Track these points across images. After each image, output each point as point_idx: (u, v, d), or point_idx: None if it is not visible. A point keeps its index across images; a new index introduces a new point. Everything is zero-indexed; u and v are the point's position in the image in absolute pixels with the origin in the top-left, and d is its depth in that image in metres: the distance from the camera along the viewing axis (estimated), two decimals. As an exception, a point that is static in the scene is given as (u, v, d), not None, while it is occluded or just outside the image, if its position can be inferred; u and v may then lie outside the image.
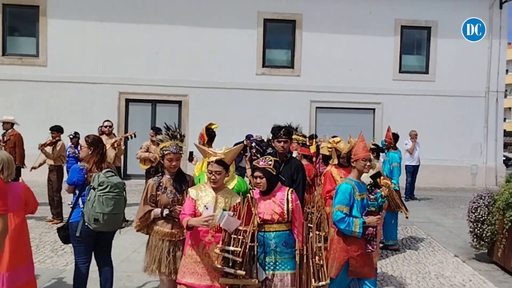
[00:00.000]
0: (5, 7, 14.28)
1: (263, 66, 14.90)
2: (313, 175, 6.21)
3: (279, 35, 15.23)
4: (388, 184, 6.07)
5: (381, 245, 6.88)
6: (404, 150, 11.72)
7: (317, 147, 6.75)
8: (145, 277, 4.91)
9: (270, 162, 3.84)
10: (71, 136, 9.37)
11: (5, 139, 9.04)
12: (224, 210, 3.72)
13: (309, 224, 3.95)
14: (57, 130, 8.73)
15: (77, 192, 4.49)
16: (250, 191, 4.09)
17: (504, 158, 18.52)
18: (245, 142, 11.08)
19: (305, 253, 3.80)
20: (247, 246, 3.62)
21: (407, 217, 7.15)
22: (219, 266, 3.59)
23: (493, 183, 14.15)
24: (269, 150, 4.55)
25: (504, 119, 18.92)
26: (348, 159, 4.73)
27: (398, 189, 7.48)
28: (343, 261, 4.07)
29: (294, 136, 5.76)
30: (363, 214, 4.09)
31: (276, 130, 4.92)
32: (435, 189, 14.39)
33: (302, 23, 14.88)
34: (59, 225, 5.89)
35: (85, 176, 4.44)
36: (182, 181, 4.24)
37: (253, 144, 5.78)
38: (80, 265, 4.43)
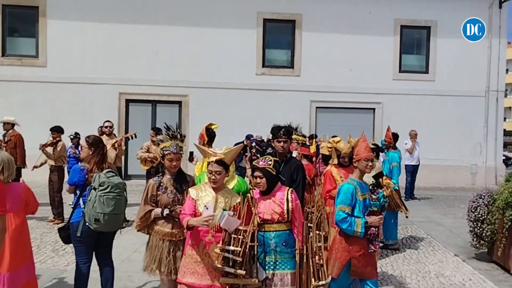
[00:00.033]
0: (4, 7, 14.30)
1: (263, 66, 14.92)
2: (313, 175, 6.23)
3: (279, 35, 15.24)
4: (390, 184, 6.07)
5: (381, 244, 6.89)
6: (404, 150, 11.74)
7: (317, 147, 6.77)
8: (145, 277, 4.92)
9: (270, 162, 3.85)
10: (72, 137, 9.39)
11: (5, 140, 9.05)
12: (224, 210, 3.73)
13: (309, 224, 3.96)
14: (57, 130, 8.74)
15: (78, 192, 4.50)
16: (250, 191, 4.10)
17: (504, 158, 18.52)
18: (245, 142, 11.10)
19: (305, 252, 3.81)
20: (247, 246, 3.63)
21: (407, 217, 7.16)
22: (219, 265, 3.60)
23: (493, 182, 14.16)
24: (269, 150, 4.57)
25: (504, 119, 18.92)
26: (350, 159, 4.74)
27: (397, 188, 7.49)
28: (345, 261, 4.07)
29: (293, 136, 5.78)
30: (365, 214, 4.10)
31: (275, 130, 4.94)
32: (435, 188, 14.40)
33: (302, 23, 14.90)
34: (60, 225, 5.90)
35: (86, 176, 4.45)
36: (183, 181, 4.25)
37: (253, 144, 5.80)
38: (81, 265, 4.44)
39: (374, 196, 4.20)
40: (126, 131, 13.86)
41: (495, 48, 15.26)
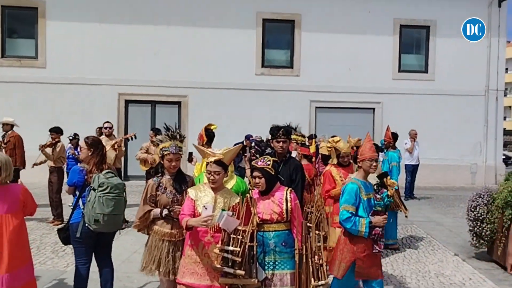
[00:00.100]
0: (4, 9, 14.30)
1: (263, 66, 14.91)
2: (313, 175, 6.22)
3: (278, 35, 15.25)
4: (395, 184, 6.08)
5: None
6: (403, 150, 11.74)
7: (317, 147, 6.77)
8: (145, 277, 4.92)
9: (268, 162, 3.85)
10: (71, 138, 9.38)
11: (5, 141, 9.05)
12: (223, 210, 3.73)
13: (308, 224, 3.96)
14: (56, 131, 8.74)
15: (77, 193, 4.50)
16: (250, 191, 4.10)
17: (504, 157, 18.52)
18: (244, 143, 11.10)
19: (304, 252, 3.80)
20: (247, 246, 3.63)
21: (406, 216, 7.16)
22: (219, 266, 3.61)
23: (492, 181, 14.16)
24: (268, 150, 4.57)
25: (504, 118, 18.97)
26: (354, 159, 4.73)
27: (397, 188, 7.49)
28: (350, 262, 4.06)
29: (293, 136, 5.77)
30: (370, 214, 4.09)
31: (274, 130, 4.94)
32: (435, 188, 14.40)
33: (301, 23, 14.90)
34: (60, 226, 5.90)
35: (85, 177, 4.45)
36: (182, 182, 4.25)
37: (252, 144, 5.80)
38: (80, 266, 4.43)
39: (378, 196, 4.19)
40: (126, 132, 13.87)
41: (494, 47, 15.26)
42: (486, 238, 6.55)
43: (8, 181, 3.94)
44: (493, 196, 6.54)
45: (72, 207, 4.56)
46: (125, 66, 14.21)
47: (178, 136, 4.24)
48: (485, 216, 6.52)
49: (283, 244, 3.83)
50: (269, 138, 5.26)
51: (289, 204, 3.84)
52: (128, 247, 6.92)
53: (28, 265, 4.01)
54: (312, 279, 3.75)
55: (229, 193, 4.01)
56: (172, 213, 4.08)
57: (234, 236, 3.65)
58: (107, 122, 9.71)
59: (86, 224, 4.21)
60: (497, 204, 6.33)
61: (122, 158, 10.91)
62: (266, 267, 3.79)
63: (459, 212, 10.28)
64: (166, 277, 4.09)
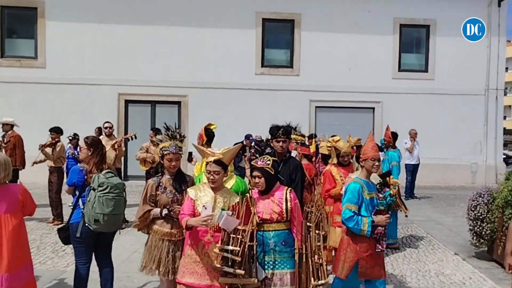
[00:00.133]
0: (3, 9, 14.31)
1: (262, 66, 14.91)
2: (314, 175, 6.22)
3: (278, 35, 15.25)
4: (397, 183, 6.07)
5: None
6: (403, 149, 11.74)
7: (317, 147, 6.76)
8: (145, 277, 4.92)
9: (268, 162, 3.85)
10: (70, 138, 9.38)
11: (5, 141, 9.05)
12: (222, 209, 3.73)
13: (308, 223, 3.96)
14: (56, 131, 8.75)
15: (77, 193, 4.50)
16: (250, 191, 4.10)
17: (504, 156, 18.52)
18: (244, 142, 11.11)
19: (304, 252, 3.80)
20: (246, 246, 3.63)
21: (406, 216, 7.16)
22: (219, 265, 3.60)
23: (493, 181, 14.15)
24: (268, 150, 4.57)
25: (504, 117, 18.96)
26: (357, 158, 4.73)
27: (398, 187, 7.48)
28: (353, 262, 4.06)
29: (292, 136, 5.77)
30: (372, 213, 4.09)
31: (274, 130, 4.93)
32: (435, 187, 14.40)
33: (301, 22, 14.90)
34: (60, 226, 5.90)
35: (85, 177, 4.45)
36: (182, 181, 4.25)
37: (252, 144, 5.80)
38: (80, 266, 4.43)
39: (380, 195, 4.18)
40: (126, 132, 13.88)
41: (494, 47, 15.25)
42: (486, 238, 6.55)
43: (7, 181, 3.94)
44: (493, 195, 6.54)
45: (72, 207, 4.56)
46: (125, 66, 14.21)
47: (178, 136, 4.24)
48: (485, 215, 6.52)
49: (283, 243, 3.82)
50: (269, 137, 5.25)
51: (288, 203, 3.84)
52: (128, 247, 6.92)
53: (28, 265, 4.01)
54: (312, 279, 3.75)
55: (228, 192, 4.01)
56: (172, 212, 4.08)
57: (234, 235, 3.65)
58: (107, 122, 9.72)
59: (86, 224, 4.21)
60: (497, 204, 6.33)
61: (122, 158, 10.91)
62: (266, 267, 3.79)
63: (459, 212, 10.27)
64: (166, 277, 4.09)
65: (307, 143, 6.95)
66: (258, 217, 3.81)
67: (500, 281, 5.87)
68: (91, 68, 14.19)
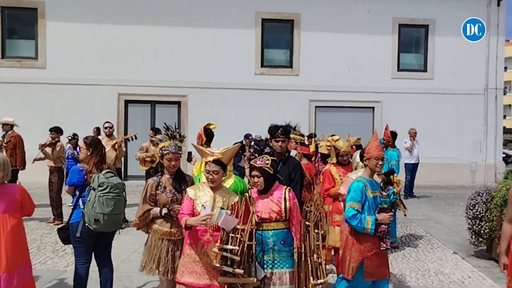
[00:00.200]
0: (3, 9, 14.33)
1: (262, 66, 14.93)
2: (314, 174, 6.23)
3: (277, 35, 15.27)
4: (401, 181, 6.08)
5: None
6: (403, 149, 11.75)
7: (316, 146, 6.78)
8: (145, 277, 4.94)
9: (267, 161, 3.86)
10: (70, 138, 9.40)
11: (5, 141, 9.07)
12: (222, 209, 3.75)
13: (307, 222, 3.97)
14: (56, 131, 8.77)
15: (77, 193, 4.51)
16: (249, 191, 4.11)
17: (504, 155, 18.54)
18: (244, 142, 11.12)
19: (303, 251, 3.82)
20: (245, 245, 3.64)
21: (405, 215, 7.17)
22: (218, 265, 3.61)
23: (492, 180, 14.15)
24: (267, 149, 4.58)
25: (504, 116, 18.98)
26: (361, 157, 4.74)
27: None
28: (358, 262, 4.06)
29: (292, 135, 5.78)
30: (376, 211, 4.10)
31: (273, 129, 4.94)
32: (435, 186, 14.42)
33: (300, 22, 14.92)
34: (60, 226, 5.92)
35: (85, 177, 4.46)
36: (182, 181, 4.27)
37: (252, 144, 5.81)
38: (80, 265, 4.44)
39: (384, 193, 4.19)
40: (126, 132, 13.90)
41: (493, 46, 15.28)
42: (485, 236, 6.57)
43: (5, 181, 3.95)
44: (492, 194, 6.56)
45: (72, 207, 4.58)
46: (124, 66, 14.23)
47: (177, 136, 4.26)
48: (484, 214, 6.54)
49: (282, 242, 3.84)
50: (268, 137, 5.26)
51: (287, 203, 3.85)
52: (128, 246, 6.93)
53: (27, 265, 4.01)
54: (311, 278, 3.76)
55: (228, 192, 4.02)
56: (171, 212, 4.09)
57: (233, 235, 3.66)
58: (107, 122, 9.73)
59: (86, 224, 4.23)
60: (496, 202, 6.35)
61: (122, 158, 10.93)
62: (265, 266, 3.80)
63: (459, 211, 10.28)
64: (166, 276, 4.10)
65: (306, 142, 6.97)
66: (257, 216, 3.82)
67: (499, 280, 5.89)
68: (91, 68, 14.21)
